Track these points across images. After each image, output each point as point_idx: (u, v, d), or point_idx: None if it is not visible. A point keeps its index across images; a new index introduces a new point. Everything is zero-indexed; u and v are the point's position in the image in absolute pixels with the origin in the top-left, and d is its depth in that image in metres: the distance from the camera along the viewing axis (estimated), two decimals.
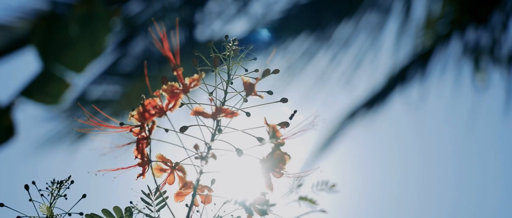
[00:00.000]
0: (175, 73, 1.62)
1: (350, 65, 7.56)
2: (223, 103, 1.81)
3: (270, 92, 2.05)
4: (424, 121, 8.04)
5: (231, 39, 1.96)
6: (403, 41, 7.56)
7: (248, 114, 1.94)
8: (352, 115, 7.71)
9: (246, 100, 1.91)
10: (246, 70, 1.99)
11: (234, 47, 1.89)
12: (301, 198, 1.64)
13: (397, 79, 7.69)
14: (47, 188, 1.96)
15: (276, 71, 1.94)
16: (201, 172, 1.69)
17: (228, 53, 1.89)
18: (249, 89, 1.69)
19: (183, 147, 1.64)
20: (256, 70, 1.96)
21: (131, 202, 2.16)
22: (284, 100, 1.96)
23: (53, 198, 1.96)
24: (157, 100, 1.64)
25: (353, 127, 7.78)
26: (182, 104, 1.71)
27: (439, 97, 7.80)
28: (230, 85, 1.89)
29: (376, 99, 7.71)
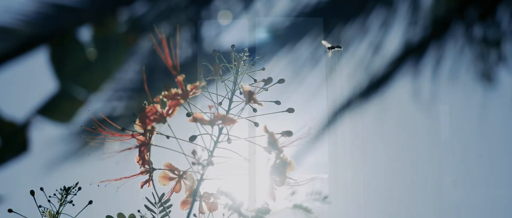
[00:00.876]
0: (176, 80, 1.64)
1: (354, 65, 7.49)
2: (227, 111, 1.82)
3: (278, 102, 2.04)
4: (432, 117, 7.90)
5: (240, 49, 1.97)
6: (409, 32, 7.47)
7: (256, 124, 1.94)
8: (350, 104, 7.57)
9: (255, 110, 1.91)
10: (255, 80, 1.98)
11: (240, 56, 1.90)
12: (296, 206, 1.64)
13: (402, 71, 7.58)
14: (54, 195, 1.99)
15: (281, 81, 1.93)
16: (201, 179, 1.70)
17: (235, 64, 1.90)
18: (249, 97, 1.70)
19: (184, 154, 1.65)
20: (263, 80, 1.96)
21: (139, 211, 2.18)
22: (290, 110, 1.96)
23: (60, 204, 1.99)
24: (158, 106, 1.65)
25: (354, 119, 7.66)
26: (188, 114, 1.72)
27: (447, 93, 7.67)
28: (237, 95, 1.90)
29: (377, 92, 7.59)
